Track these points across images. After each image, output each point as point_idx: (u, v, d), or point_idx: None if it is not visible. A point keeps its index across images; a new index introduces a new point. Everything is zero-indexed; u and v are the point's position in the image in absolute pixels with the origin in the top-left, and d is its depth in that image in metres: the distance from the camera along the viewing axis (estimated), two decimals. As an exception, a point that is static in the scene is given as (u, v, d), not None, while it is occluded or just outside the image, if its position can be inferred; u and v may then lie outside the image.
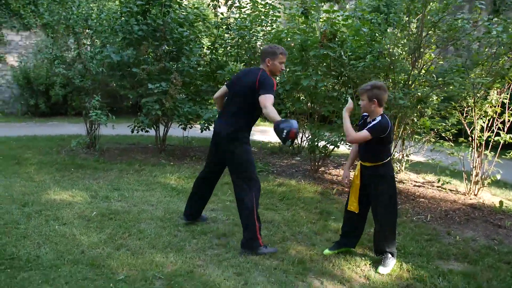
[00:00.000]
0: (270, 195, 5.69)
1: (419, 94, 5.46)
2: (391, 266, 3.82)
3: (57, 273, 3.46)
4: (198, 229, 4.48)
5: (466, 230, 4.85)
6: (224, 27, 7.34)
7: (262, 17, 7.19)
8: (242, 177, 4.03)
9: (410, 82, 5.54)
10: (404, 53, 5.75)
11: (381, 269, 3.78)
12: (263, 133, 11.03)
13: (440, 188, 6.29)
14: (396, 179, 6.62)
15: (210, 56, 7.57)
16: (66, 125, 10.83)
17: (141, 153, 7.78)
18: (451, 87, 5.47)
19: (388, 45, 5.42)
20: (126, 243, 4.09)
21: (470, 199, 5.87)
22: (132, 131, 7.51)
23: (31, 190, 5.42)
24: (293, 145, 3.93)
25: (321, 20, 6.06)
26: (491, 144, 5.80)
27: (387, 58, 5.50)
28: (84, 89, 7.08)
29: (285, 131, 3.62)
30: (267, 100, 3.78)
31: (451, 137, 6.19)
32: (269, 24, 7.30)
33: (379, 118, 3.69)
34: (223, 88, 4.33)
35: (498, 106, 5.67)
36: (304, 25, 5.84)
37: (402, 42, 5.68)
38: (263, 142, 9.54)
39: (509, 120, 5.67)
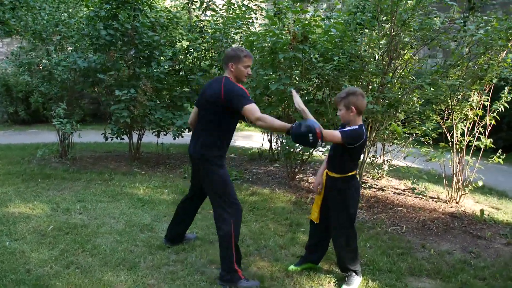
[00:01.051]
0: (240, 205, 5.40)
1: (396, 97, 5.20)
2: (355, 284, 3.54)
3: (-6, 295, 3.22)
4: (157, 244, 4.22)
5: (443, 242, 4.56)
6: (197, 30, 7.07)
7: (237, 19, 6.91)
8: (218, 202, 3.59)
9: (388, 85, 5.27)
10: (380, 54, 5.46)
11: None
12: (246, 139, 10.74)
13: (420, 196, 6.01)
14: (376, 186, 6.39)
15: (184, 61, 7.31)
16: (46, 133, 10.53)
17: (114, 162, 7.50)
18: (431, 89, 5.20)
19: (361, 46, 5.16)
20: (77, 260, 3.85)
21: (451, 207, 5.58)
22: (106, 139, 7.24)
23: (-11, 203, 5.17)
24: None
25: (296, 21, 5.78)
26: (472, 149, 5.52)
27: (362, 60, 5.25)
28: (51, 97, 6.82)
29: (310, 135, 3.15)
30: (254, 111, 3.33)
31: (430, 142, 5.91)
32: (244, 26, 7.02)
33: (356, 127, 3.40)
34: (194, 110, 3.88)
35: (479, 109, 5.40)
36: (275, 27, 5.58)
37: (377, 43, 5.40)
38: (244, 148, 9.27)
39: (490, 124, 5.39)
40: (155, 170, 7.03)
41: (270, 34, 5.59)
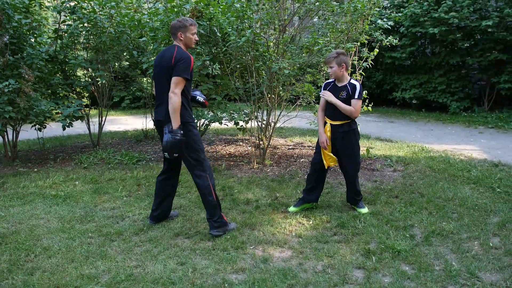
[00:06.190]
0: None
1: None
2: (364, 206, 4.45)
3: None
4: (112, 231, 4.16)
5: (351, 178, 5.55)
6: (67, 11, 6.55)
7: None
8: (192, 163, 3.93)
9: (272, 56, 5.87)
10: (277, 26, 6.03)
11: (362, 210, 4.40)
12: (113, 123, 10.40)
13: (311, 147, 6.96)
14: (271, 146, 7.12)
15: (55, 46, 6.74)
16: None
17: (-13, 166, 6.64)
18: (304, 54, 5.97)
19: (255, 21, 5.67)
20: (37, 265, 3.56)
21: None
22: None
23: None
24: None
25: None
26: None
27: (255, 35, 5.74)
28: None
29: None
30: (176, 84, 3.70)
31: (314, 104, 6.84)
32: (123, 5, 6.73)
33: (355, 83, 4.17)
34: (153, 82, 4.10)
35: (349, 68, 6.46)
36: (173, 4, 5.66)
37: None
38: (120, 132, 9.05)
39: (361, 79, 6.55)
40: (46, 166, 6.49)
41: (163, 12, 5.68)
